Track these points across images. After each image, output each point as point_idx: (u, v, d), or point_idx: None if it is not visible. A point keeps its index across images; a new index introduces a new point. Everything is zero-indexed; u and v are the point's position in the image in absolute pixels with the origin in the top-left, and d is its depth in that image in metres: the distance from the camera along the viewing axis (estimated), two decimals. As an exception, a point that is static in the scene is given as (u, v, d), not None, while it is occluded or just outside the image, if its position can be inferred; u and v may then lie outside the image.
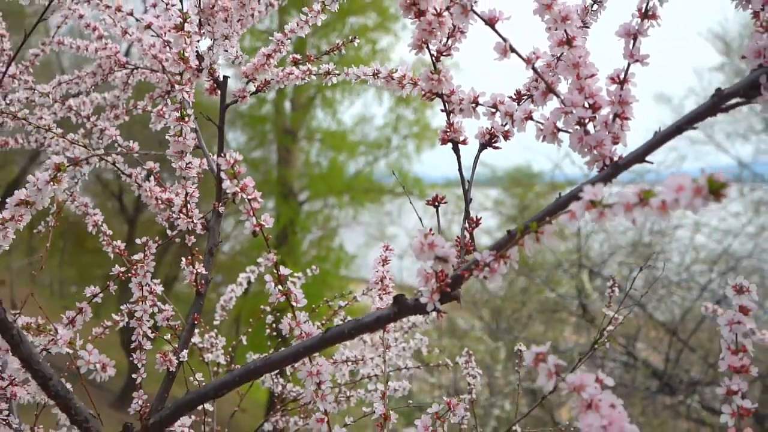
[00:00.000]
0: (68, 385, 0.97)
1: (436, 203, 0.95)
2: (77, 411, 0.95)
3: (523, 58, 0.83)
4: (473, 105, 0.92)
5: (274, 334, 1.95)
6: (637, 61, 0.77)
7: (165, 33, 1.33)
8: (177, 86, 1.18)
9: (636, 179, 6.61)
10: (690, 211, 0.48)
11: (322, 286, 8.99)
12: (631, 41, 0.77)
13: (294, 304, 0.88)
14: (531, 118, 0.87)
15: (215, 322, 2.00)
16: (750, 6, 0.73)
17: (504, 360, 6.74)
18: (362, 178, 10.88)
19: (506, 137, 0.92)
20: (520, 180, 10.25)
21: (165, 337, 1.20)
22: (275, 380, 2.01)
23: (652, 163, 0.75)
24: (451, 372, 6.25)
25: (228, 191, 0.85)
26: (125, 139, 1.55)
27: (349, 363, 1.67)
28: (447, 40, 0.90)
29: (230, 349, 1.91)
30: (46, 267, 1.35)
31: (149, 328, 1.15)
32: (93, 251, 9.24)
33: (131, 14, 1.41)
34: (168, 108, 1.14)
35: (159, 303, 1.18)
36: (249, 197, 0.86)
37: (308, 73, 1.37)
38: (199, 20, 1.26)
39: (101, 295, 1.16)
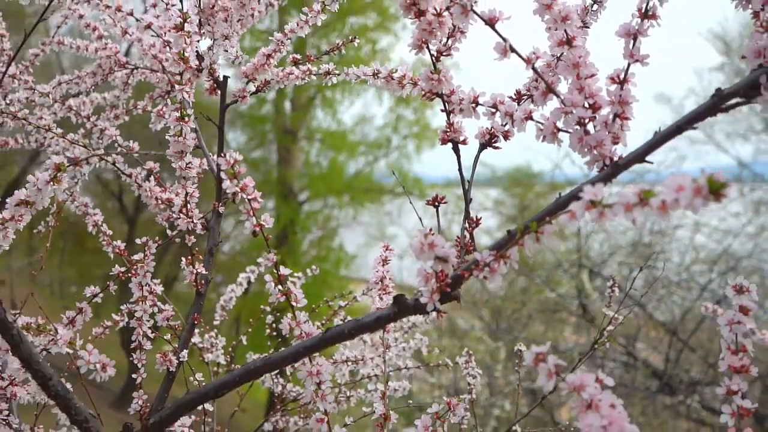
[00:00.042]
0: (68, 385, 0.97)
1: (436, 203, 0.95)
2: (77, 411, 0.95)
3: (523, 58, 0.83)
4: (473, 105, 0.92)
5: (274, 334, 1.95)
6: (637, 61, 0.77)
7: (165, 33, 1.33)
8: (177, 86, 1.18)
9: (636, 179, 6.61)
10: (690, 211, 0.48)
11: (322, 286, 8.99)
12: (631, 41, 0.77)
13: (294, 304, 0.88)
14: (531, 118, 0.87)
15: (215, 322, 2.00)
16: (750, 6, 0.73)
17: (504, 360, 6.74)
18: (362, 178, 10.88)
19: (506, 137, 0.92)
20: (520, 180, 10.25)
21: (165, 337, 1.20)
22: (275, 380, 2.01)
23: (652, 163, 0.75)
24: (451, 372, 6.25)
25: (228, 191, 0.85)
26: (125, 139, 1.55)
27: (349, 363, 1.67)
28: (447, 40, 0.90)
29: (230, 349, 1.91)
30: (46, 267, 1.35)
31: (149, 328, 1.15)
32: (93, 251, 9.24)
33: (131, 14, 1.41)
34: (168, 108, 1.14)
35: (159, 303, 1.18)
36: (249, 197, 0.86)
37: (308, 73, 1.37)
38: (199, 20, 1.26)
39: (101, 295, 1.16)
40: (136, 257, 1.15)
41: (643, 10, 0.76)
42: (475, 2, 0.80)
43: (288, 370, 1.96)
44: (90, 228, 1.37)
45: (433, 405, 1.02)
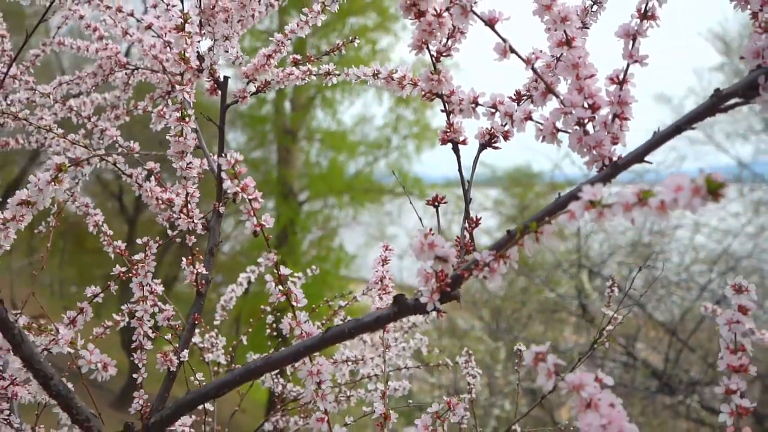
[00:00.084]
0: (69, 385, 0.97)
1: (436, 203, 0.96)
2: (78, 410, 0.96)
3: (522, 59, 0.83)
4: (473, 105, 0.92)
5: (275, 334, 1.95)
6: (636, 61, 0.78)
7: (166, 33, 1.34)
8: (177, 87, 1.18)
9: (636, 179, 6.61)
10: (689, 211, 0.48)
11: (322, 286, 8.99)
12: (631, 42, 0.78)
13: (294, 303, 0.88)
14: (531, 119, 0.87)
15: (215, 322, 2.00)
16: (749, 6, 0.73)
17: (504, 360, 6.74)
18: (362, 178, 10.87)
19: (506, 137, 0.93)
20: (520, 180, 10.25)
21: (165, 337, 1.20)
22: (275, 380, 2.01)
23: (651, 163, 0.75)
24: (451, 372, 6.25)
25: (228, 191, 0.85)
26: (126, 140, 1.55)
27: (349, 363, 1.67)
28: (447, 41, 0.90)
29: (230, 348, 1.92)
30: (46, 267, 1.35)
31: (150, 328, 1.15)
32: (93, 251, 9.23)
33: (132, 15, 1.41)
34: (168, 108, 1.14)
35: (159, 303, 1.18)
36: (249, 197, 0.86)
37: (308, 73, 1.38)
38: (200, 21, 1.26)
39: (102, 295, 1.17)
40: (136, 257, 1.15)
41: (642, 11, 0.77)
42: (475, 3, 0.80)
43: (288, 369, 1.97)
44: (91, 228, 1.38)
45: (433, 405, 1.02)
